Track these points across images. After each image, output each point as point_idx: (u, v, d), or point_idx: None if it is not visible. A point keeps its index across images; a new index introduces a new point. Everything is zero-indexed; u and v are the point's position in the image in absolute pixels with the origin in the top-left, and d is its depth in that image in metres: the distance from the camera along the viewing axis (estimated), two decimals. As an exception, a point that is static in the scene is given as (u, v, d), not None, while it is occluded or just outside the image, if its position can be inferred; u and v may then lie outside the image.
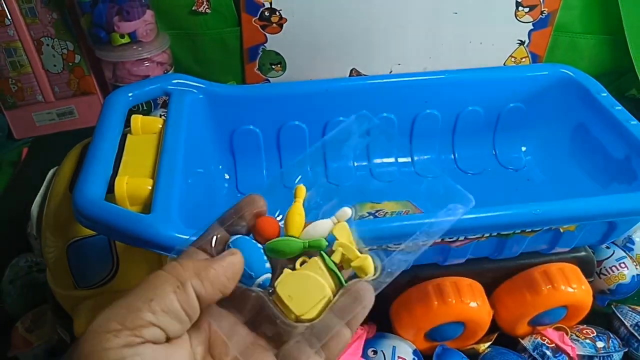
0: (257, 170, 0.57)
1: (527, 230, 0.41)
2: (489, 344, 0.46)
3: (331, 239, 0.25)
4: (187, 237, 0.35)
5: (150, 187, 0.39)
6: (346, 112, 0.54)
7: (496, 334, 0.47)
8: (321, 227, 0.26)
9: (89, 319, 0.41)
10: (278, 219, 0.26)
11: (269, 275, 0.25)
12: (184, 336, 0.22)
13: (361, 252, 0.25)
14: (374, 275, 0.25)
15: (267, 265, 0.25)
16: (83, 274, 0.42)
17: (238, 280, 0.23)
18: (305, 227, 0.26)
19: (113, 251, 0.41)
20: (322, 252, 0.25)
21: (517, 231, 0.40)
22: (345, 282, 0.24)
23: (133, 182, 0.39)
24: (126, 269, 0.41)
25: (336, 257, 0.25)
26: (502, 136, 0.59)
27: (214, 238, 0.25)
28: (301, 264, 0.25)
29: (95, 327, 0.20)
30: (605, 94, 0.51)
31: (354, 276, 0.25)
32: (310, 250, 0.25)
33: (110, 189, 0.38)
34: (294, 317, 0.24)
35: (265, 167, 0.57)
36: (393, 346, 0.42)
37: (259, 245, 0.25)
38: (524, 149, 0.60)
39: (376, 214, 0.37)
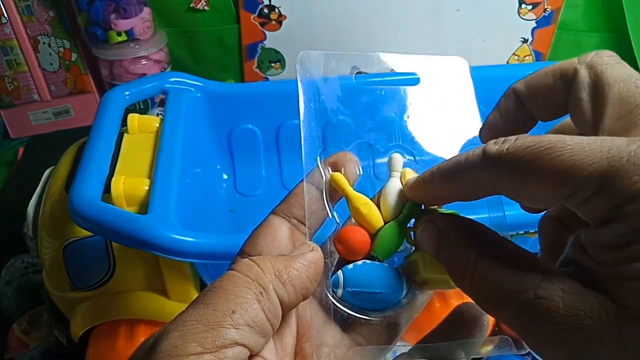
0: (256, 170, 0.56)
1: (530, 231, 0.40)
2: (492, 346, 0.46)
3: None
4: (185, 238, 0.34)
5: (147, 187, 0.38)
6: (347, 111, 0.53)
7: (499, 337, 0.46)
8: (394, 190, 0.22)
9: (86, 321, 0.41)
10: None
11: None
12: (267, 347, 0.19)
13: None
14: None
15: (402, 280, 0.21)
16: (79, 275, 0.41)
17: (319, 280, 0.20)
18: (379, 205, 0.22)
19: (110, 252, 0.41)
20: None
21: (520, 232, 0.40)
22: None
23: (130, 182, 0.38)
24: (123, 270, 0.41)
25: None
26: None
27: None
28: (412, 235, 0.21)
29: (169, 349, 0.16)
30: (609, 93, 0.50)
31: None
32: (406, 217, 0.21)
33: (107, 189, 0.38)
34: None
35: (264, 167, 0.57)
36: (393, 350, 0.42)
37: (386, 265, 0.21)
38: (526, 148, 0.59)
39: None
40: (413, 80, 0.24)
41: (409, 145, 0.23)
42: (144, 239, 0.34)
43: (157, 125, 0.46)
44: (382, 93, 0.25)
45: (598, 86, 0.18)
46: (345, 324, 0.22)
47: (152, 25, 0.65)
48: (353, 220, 0.22)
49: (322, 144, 0.22)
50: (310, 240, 0.21)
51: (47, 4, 0.65)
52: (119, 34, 0.62)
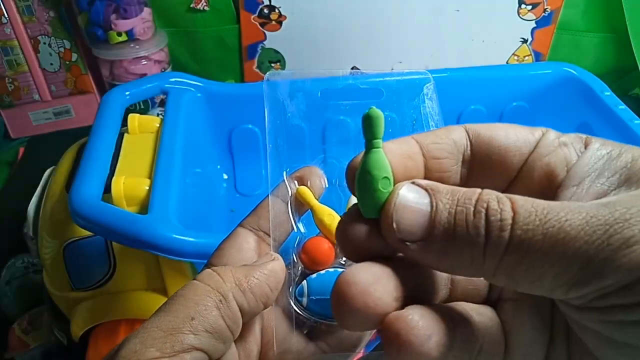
0: (256, 170, 0.56)
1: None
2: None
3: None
4: (185, 238, 0.34)
5: (147, 187, 0.38)
6: (347, 111, 0.53)
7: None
8: None
9: (86, 321, 0.41)
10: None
11: None
12: (229, 352, 0.19)
13: None
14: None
15: None
16: (79, 275, 0.41)
17: (280, 289, 0.20)
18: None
19: (110, 252, 0.41)
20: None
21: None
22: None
23: (130, 182, 0.38)
24: (123, 270, 0.41)
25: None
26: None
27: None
28: None
29: (129, 354, 0.16)
30: (608, 93, 0.50)
31: None
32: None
33: (107, 189, 0.38)
34: None
35: (264, 167, 0.57)
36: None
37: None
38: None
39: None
40: (377, 94, 0.25)
41: None
42: (145, 239, 0.34)
43: (158, 125, 0.46)
44: (347, 108, 0.25)
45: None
46: (310, 331, 0.22)
47: (153, 26, 0.65)
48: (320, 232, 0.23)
49: (288, 159, 0.23)
50: (276, 252, 0.21)
51: (47, 4, 0.65)
52: (120, 34, 0.62)
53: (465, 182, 0.17)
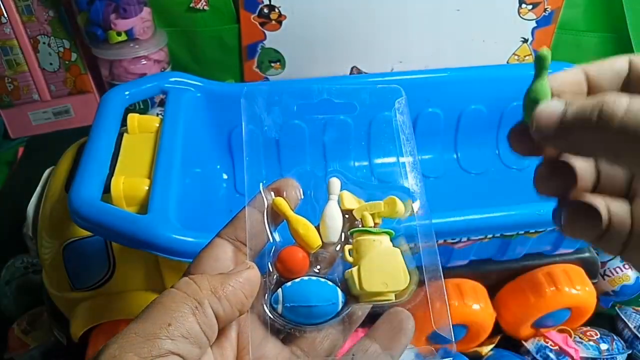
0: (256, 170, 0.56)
1: (530, 231, 0.40)
2: (491, 346, 0.46)
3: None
4: (185, 238, 0.34)
5: (147, 187, 0.38)
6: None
7: (499, 337, 0.46)
8: (332, 212, 0.24)
9: (85, 321, 0.41)
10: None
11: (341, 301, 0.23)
12: (206, 357, 0.20)
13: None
14: (408, 212, 0.24)
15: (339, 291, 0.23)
16: (79, 275, 0.41)
17: (255, 296, 0.21)
18: (319, 227, 0.24)
19: (109, 252, 0.41)
20: (366, 229, 0.24)
21: (520, 232, 0.40)
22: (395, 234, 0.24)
23: (130, 182, 0.38)
24: (123, 270, 0.41)
25: (369, 222, 0.24)
26: (505, 135, 0.58)
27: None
28: (350, 253, 0.24)
29: (108, 359, 0.17)
30: (609, 93, 0.50)
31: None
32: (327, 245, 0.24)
33: (107, 189, 0.38)
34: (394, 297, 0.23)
35: (264, 167, 0.56)
36: None
37: (322, 280, 0.23)
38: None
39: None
40: (350, 108, 0.26)
41: (346, 170, 0.25)
42: (144, 239, 0.34)
43: (157, 125, 0.45)
44: (323, 122, 0.26)
45: None
46: (285, 337, 0.23)
47: (152, 25, 0.65)
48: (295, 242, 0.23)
49: (264, 170, 0.24)
50: (252, 261, 0.22)
51: (46, 3, 0.65)
52: (119, 34, 0.62)
53: None
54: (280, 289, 0.23)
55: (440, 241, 0.38)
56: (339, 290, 0.23)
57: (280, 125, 0.25)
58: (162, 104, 0.66)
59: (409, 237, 0.24)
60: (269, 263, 0.23)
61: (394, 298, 0.23)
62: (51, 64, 0.69)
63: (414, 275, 0.23)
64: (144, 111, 0.66)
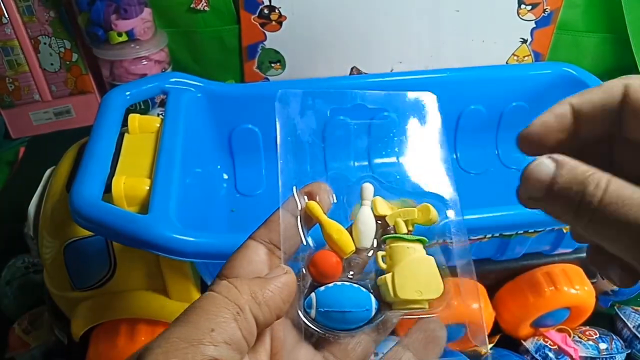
0: (257, 170, 0.56)
1: (529, 231, 0.40)
2: (490, 346, 0.46)
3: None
4: (185, 238, 0.34)
5: (147, 187, 0.38)
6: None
7: (498, 336, 0.46)
8: (365, 217, 0.24)
9: (86, 321, 0.41)
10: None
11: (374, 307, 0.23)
12: None
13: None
14: (442, 220, 0.24)
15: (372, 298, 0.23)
16: (80, 275, 0.41)
17: (291, 301, 0.21)
18: (351, 230, 0.24)
19: (110, 252, 0.41)
20: (399, 235, 0.24)
21: (519, 232, 0.40)
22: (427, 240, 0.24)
23: (130, 182, 0.38)
24: (124, 270, 0.41)
25: (402, 228, 0.24)
26: (504, 135, 0.58)
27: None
28: (383, 259, 0.24)
29: None
30: (608, 93, 0.50)
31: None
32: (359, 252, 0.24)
33: (108, 189, 0.38)
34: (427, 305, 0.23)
35: (264, 167, 0.57)
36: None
37: (355, 285, 0.23)
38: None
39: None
40: (382, 114, 0.26)
41: (379, 176, 0.25)
42: (145, 239, 0.34)
43: (158, 125, 0.46)
44: (355, 127, 0.26)
45: None
46: (317, 342, 0.23)
47: (153, 26, 0.65)
48: (327, 246, 0.23)
49: (298, 174, 0.24)
50: (285, 264, 0.22)
51: (47, 4, 0.65)
52: (120, 35, 0.62)
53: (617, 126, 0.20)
54: (313, 294, 0.23)
55: (440, 241, 0.38)
56: (372, 296, 0.23)
57: (314, 129, 0.25)
58: (162, 104, 0.66)
59: (441, 235, 0.24)
60: (302, 267, 0.23)
61: (427, 306, 0.23)
62: (52, 64, 0.69)
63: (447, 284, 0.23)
64: (144, 111, 0.66)
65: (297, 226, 0.23)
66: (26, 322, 0.48)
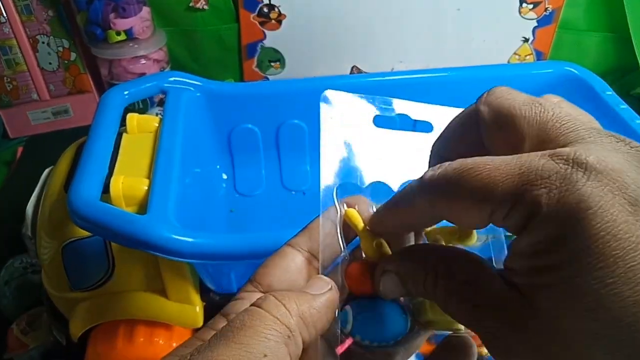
0: (256, 170, 0.56)
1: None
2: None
3: None
4: (184, 238, 0.34)
5: (146, 187, 0.38)
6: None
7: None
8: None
9: (85, 321, 0.41)
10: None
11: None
12: None
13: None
14: (481, 241, 0.23)
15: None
16: (78, 275, 0.41)
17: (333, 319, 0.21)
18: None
19: (109, 252, 0.41)
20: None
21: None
22: None
23: (129, 182, 0.38)
24: (122, 270, 0.41)
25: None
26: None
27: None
28: None
29: None
30: (610, 92, 0.50)
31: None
32: None
33: (106, 189, 0.37)
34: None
35: (264, 167, 0.56)
36: None
37: (391, 301, 0.22)
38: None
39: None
40: (427, 127, 0.26)
41: None
42: (143, 239, 0.34)
43: (157, 125, 0.45)
44: (399, 138, 0.26)
45: (502, 120, 0.18)
46: (348, 358, 0.22)
47: (152, 25, 0.65)
48: (364, 256, 0.22)
49: (339, 181, 0.23)
50: (322, 273, 0.21)
51: (46, 3, 0.65)
52: (118, 34, 0.62)
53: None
54: (349, 307, 0.22)
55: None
56: (408, 316, 0.22)
57: (357, 137, 0.25)
58: (161, 103, 0.66)
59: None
60: (339, 277, 0.22)
61: (463, 328, 0.22)
62: (50, 63, 0.69)
63: None
64: (143, 111, 0.65)
65: (337, 235, 0.22)
66: (24, 323, 0.48)
